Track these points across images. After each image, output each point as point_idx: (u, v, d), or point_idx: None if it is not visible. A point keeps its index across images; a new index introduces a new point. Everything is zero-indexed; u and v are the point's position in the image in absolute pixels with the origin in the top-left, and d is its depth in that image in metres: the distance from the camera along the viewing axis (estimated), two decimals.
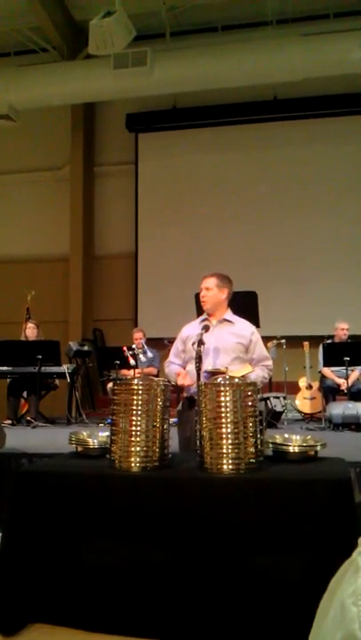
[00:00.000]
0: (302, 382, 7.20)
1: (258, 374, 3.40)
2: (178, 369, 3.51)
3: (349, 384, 6.31)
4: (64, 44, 8.91)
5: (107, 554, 2.28)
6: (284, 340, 6.78)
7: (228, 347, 3.41)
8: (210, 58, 7.75)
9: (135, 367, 6.40)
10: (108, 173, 10.09)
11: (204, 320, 3.56)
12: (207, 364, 3.26)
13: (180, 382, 3.40)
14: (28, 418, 6.47)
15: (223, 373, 2.57)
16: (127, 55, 7.54)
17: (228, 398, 2.34)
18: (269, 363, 3.58)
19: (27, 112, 8.88)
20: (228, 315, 3.58)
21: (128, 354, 6.35)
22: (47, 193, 10.09)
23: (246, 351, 3.45)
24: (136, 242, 9.79)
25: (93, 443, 2.78)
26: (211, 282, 3.54)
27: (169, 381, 3.06)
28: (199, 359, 3.11)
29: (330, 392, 6.61)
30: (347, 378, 6.29)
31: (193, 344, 3.21)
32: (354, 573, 0.84)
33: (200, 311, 4.10)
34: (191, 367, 3.35)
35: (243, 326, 3.55)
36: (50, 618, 2.30)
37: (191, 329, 3.57)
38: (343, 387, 6.37)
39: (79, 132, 9.79)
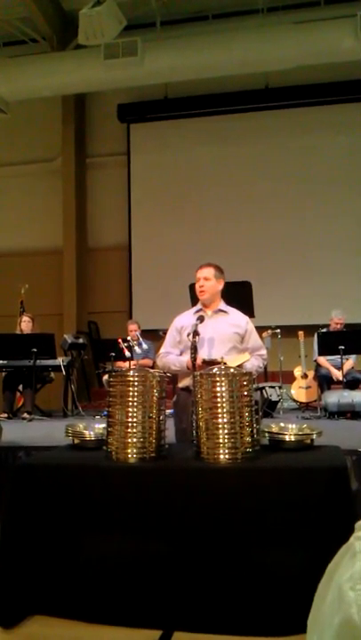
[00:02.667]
0: (298, 371, 7.22)
1: (253, 364, 3.41)
2: (182, 358, 3.48)
3: (344, 372, 6.33)
4: (54, 34, 8.84)
5: (105, 545, 2.29)
6: (278, 330, 6.79)
7: (224, 337, 3.42)
8: (201, 47, 7.70)
9: (130, 359, 6.39)
10: (101, 164, 10.05)
11: (198, 310, 3.55)
12: (203, 355, 3.26)
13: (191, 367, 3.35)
14: (24, 415, 6.44)
15: (219, 363, 2.57)
16: (117, 45, 7.48)
17: (223, 388, 2.34)
18: (264, 352, 3.60)
19: (17, 104, 8.81)
20: (223, 305, 3.59)
21: (123, 346, 6.34)
22: (39, 185, 10.04)
23: (242, 341, 3.46)
24: (129, 233, 9.76)
25: (90, 435, 2.78)
26: (209, 272, 3.53)
27: (164, 372, 3.04)
28: (195, 350, 3.11)
29: (325, 381, 6.63)
30: (341, 367, 6.30)
31: (188, 335, 3.21)
32: (351, 558, 0.84)
33: (195, 302, 4.09)
34: (188, 357, 3.34)
35: (237, 316, 3.57)
36: (49, 610, 2.30)
37: (185, 319, 3.56)
38: (339, 378, 6.39)
39: (70, 124, 9.73)
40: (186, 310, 3.79)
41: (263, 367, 3.70)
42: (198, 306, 3.61)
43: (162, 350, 3.67)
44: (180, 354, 3.52)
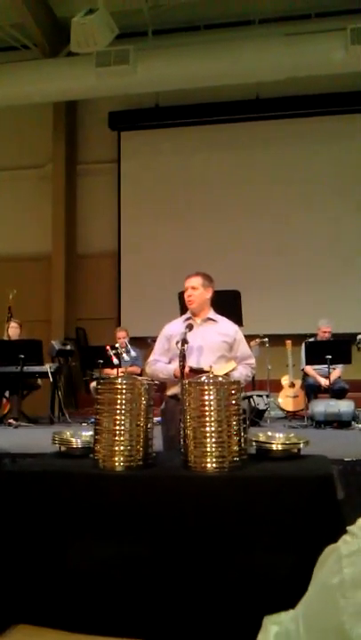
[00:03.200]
0: (285, 380, 7.23)
1: (241, 373, 3.41)
2: (169, 366, 3.48)
3: (331, 381, 6.36)
4: (46, 41, 8.85)
5: (91, 554, 2.27)
6: (266, 339, 6.81)
7: (213, 345, 3.42)
8: (192, 56, 7.75)
9: (118, 366, 6.38)
10: (91, 172, 10.06)
11: (188, 319, 3.56)
12: (191, 363, 3.26)
13: (179, 375, 3.34)
14: (10, 420, 6.41)
15: (207, 372, 2.57)
16: (110, 53, 7.51)
17: (211, 397, 2.34)
18: (252, 361, 3.60)
19: (8, 109, 8.81)
20: (212, 314, 3.59)
21: (111, 353, 6.33)
22: (29, 191, 10.03)
23: (230, 350, 3.47)
24: (119, 241, 9.77)
25: (77, 442, 2.76)
26: (197, 281, 3.53)
27: (152, 380, 3.03)
28: (183, 358, 3.11)
29: (312, 390, 6.66)
30: (328, 376, 6.33)
31: (177, 343, 3.21)
32: (337, 561, 0.86)
33: (184, 310, 4.09)
34: (177, 365, 3.35)
35: (227, 325, 3.57)
36: (34, 619, 2.28)
37: (175, 327, 3.56)
38: (325, 384, 6.42)
39: (61, 130, 9.74)
40: (175, 318, 3.79)
41: (252, 376, 3.69)
42: (188, 314, 3.62)
43: (150, 358, 3.66)
44: (169, 362, 3.52)
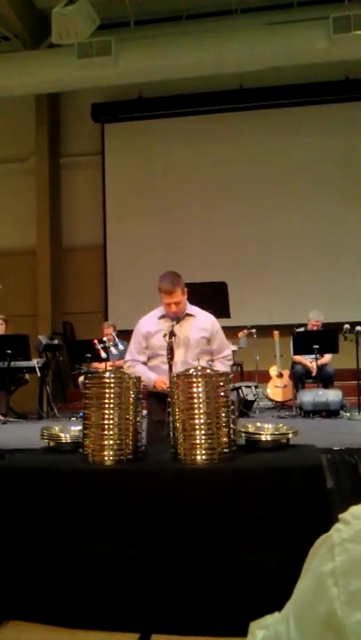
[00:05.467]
0: (273, 371, 7.26)
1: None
2: (151, 375, 3.41)
3: (319, 365, 6.40)
4: (26, 32, 8.75)
5: (83, 549, 2.27)
6: (254, 330, 6.83)
7: (192, 342, 3.40)
8: (175, 47, 7.71)
9: (107, 360, 6.36)
10: (75, 164, 9.99)
11: (163, 316, 3.48)
12: (175, 358, 3.24)
13: (160, 387, 3.28)
14: None
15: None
16: (91, 44, 7.44)
17: (200, 389, 2.34)
18: (228, 352, 3.56)
19: None
20: (188, 308, 3.51)
21: (99, 347, 6.30)
22: (13, 185, 9.94)
23: (208, 343, 3.46)
24: (105, 233, 9.73)
25: (66, 437, 2.75)
26: (178, 294, 3.38)
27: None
28: (171, 351, 3.09)
29: (299, 379, 6.68)
30: (317, 366, 6.36)
31: (164, 335, 3.19)
32: (329, 550, 0.85)
33: None
34: (156, 362, 3.39)
35: (204, 319, 3.52)
36: (25, 615, 2.28)
37: (151, 326, 3.49)
38: (313, 370, 6.45)
39: (44, 123, 9.66)
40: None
41: (229, 369, 3.57)
42: (162, 310, 3.50)
43: (128, 357, 3.59)
44: (148, 360, 3.50)
